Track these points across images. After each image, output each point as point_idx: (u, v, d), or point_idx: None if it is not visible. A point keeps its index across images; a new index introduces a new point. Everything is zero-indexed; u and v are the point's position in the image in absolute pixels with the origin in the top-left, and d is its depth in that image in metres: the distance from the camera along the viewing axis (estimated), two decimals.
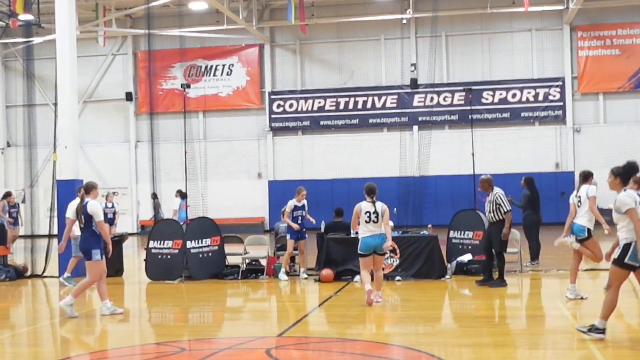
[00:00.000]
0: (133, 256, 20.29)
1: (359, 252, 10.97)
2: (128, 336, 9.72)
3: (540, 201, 15.41)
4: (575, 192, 10.94)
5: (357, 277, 12.94)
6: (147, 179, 26.44)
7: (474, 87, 24.74)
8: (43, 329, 10.38)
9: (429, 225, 14.63)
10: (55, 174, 15.91)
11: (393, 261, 13.55)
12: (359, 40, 31.27)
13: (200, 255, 14.62)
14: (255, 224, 30.53)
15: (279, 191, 28.68)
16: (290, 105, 31.74)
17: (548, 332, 8.96)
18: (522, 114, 30.24)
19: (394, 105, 30.99)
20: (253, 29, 30.02)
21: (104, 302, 10.62)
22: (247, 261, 14.81)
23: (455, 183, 27.62)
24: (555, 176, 29.18)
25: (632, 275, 8.00)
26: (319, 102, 31.53)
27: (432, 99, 30.48)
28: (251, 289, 13.63)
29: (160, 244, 14.64)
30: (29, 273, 15.90)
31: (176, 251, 14.48)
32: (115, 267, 14.90)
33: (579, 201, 10.74)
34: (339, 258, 13.70)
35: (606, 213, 9.97)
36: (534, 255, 15.12)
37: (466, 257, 14.08)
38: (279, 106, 31.81)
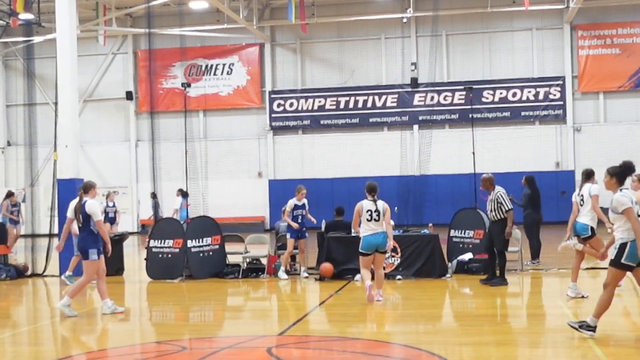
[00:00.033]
0: (133, 255, 20.30)
1: (360, 250, 10.97)
2: (129, 335, 9.72)
3: (540, 200, 15.41)
4: (577, 191, 10.93)
5: (357, 276, 12.93)
6: (147, 178, 26.42)
7: (474, 86, 24.80)
8: (44, 328, 10.37)
9: (430, 224, 14.63)
10: (55, 173, 15.90)
11: (394, 260, 13.56)
12: (359, 39, 31.27)
13: (201, 254, 14.61)
14: (256, 223, 30.57)
15: (280, 190, 28.68)
16: (291, 105, 31.73)
17: (549, 331, 8.96)
18: (523, 113, 30.23)
19: (395, 104, 30.98)
20: (253, 28, 30.01)
21: (105, 301, 10.62)
22: (247, 260, 14.81)
23: (456, 182, 27.60)
24: (555, 175, 29.18)
25: (630, 274, 8.02)
26: (320, 101, 31.53)
27: (432, 98, 30.44)
28: (252, 288, 13.63)
29: (160, 243, 14.64)
30: (29, 272, 15.91)
31: (177, 250, 14.48)
32: (115, 266, 14.89)
33: (582, 200, 10.73)
34: (340, 257, 13.70)
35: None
36: (535, 254, 15.12)
37: (467, 256, 14.09)
38: (279, 105, 31.81)
